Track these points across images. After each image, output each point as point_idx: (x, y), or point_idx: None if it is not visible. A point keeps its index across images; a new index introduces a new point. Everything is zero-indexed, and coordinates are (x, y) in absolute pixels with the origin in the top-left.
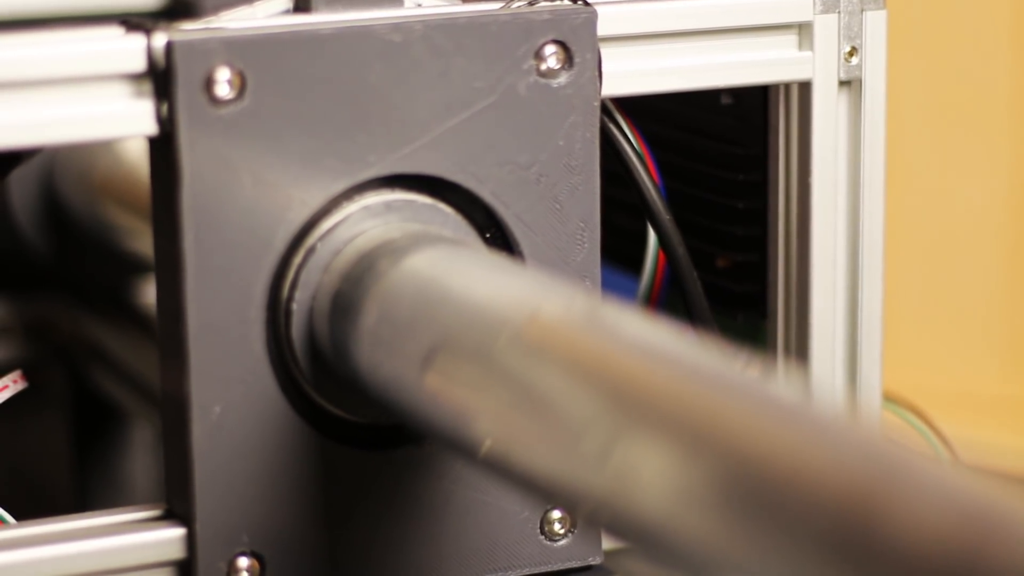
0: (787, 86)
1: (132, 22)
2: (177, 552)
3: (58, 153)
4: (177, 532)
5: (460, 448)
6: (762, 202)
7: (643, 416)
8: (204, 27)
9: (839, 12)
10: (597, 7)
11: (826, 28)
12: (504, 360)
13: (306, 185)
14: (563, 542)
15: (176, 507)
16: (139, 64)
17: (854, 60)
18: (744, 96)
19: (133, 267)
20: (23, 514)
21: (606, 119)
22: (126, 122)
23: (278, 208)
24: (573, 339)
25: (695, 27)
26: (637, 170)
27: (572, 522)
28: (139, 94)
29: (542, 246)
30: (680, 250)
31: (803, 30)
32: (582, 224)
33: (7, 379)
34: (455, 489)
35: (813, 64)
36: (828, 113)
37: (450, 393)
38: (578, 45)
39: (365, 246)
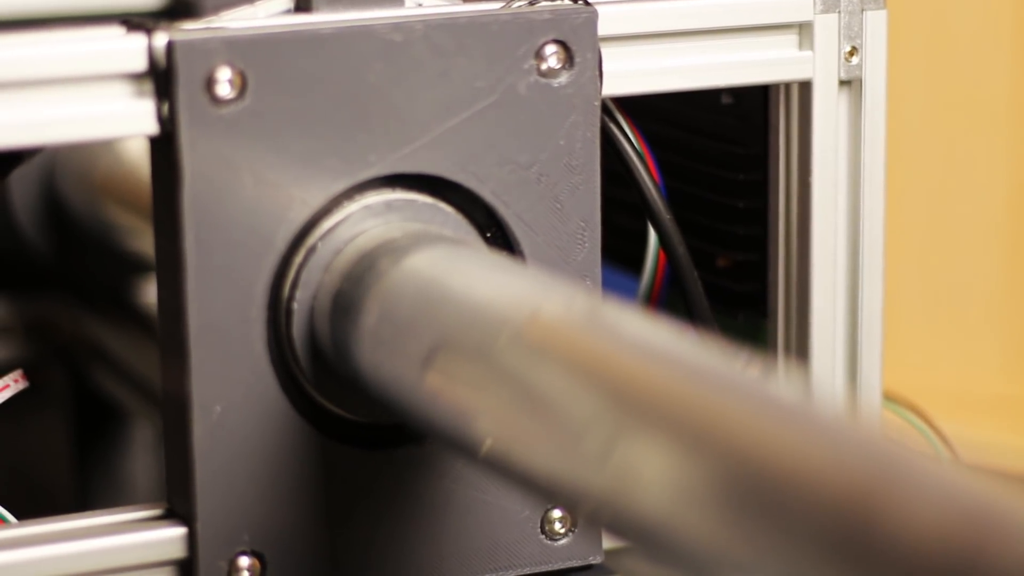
0: (787, 86)
1: (133, 22)
2: (178, 551)
3: (59, 153)
4: (178, 531)
5: (461, 447)
6: (762, 202)
7: (644, 415)
8: (205, 27)
9: (839, 12)
10: (598, 7)
11: (826, 28)
12: (505, 359)
13: (307, 184)
14: (564, 541)
15: (177, 506)
16: (140, 64)
17: (854, 60)
18: (744, 96)
19: (134, 267)
20: (24, 513)
21: (607, 119)
22: (127, 122)
23: (279, 207)
24: (574, 338)
25: (696, 27)
26: (638, 170)
27: (573, 521)
28: (140, 94)
29: (543, 245)
30: (680, 249)
31: (803, 30)
32: (583, 223)
33: (8, 378)
34: (456, 488)
35: (813, 64)
36: (828, 113)
37: (451, 392)
38: (579, 45)
39: (366, 245)
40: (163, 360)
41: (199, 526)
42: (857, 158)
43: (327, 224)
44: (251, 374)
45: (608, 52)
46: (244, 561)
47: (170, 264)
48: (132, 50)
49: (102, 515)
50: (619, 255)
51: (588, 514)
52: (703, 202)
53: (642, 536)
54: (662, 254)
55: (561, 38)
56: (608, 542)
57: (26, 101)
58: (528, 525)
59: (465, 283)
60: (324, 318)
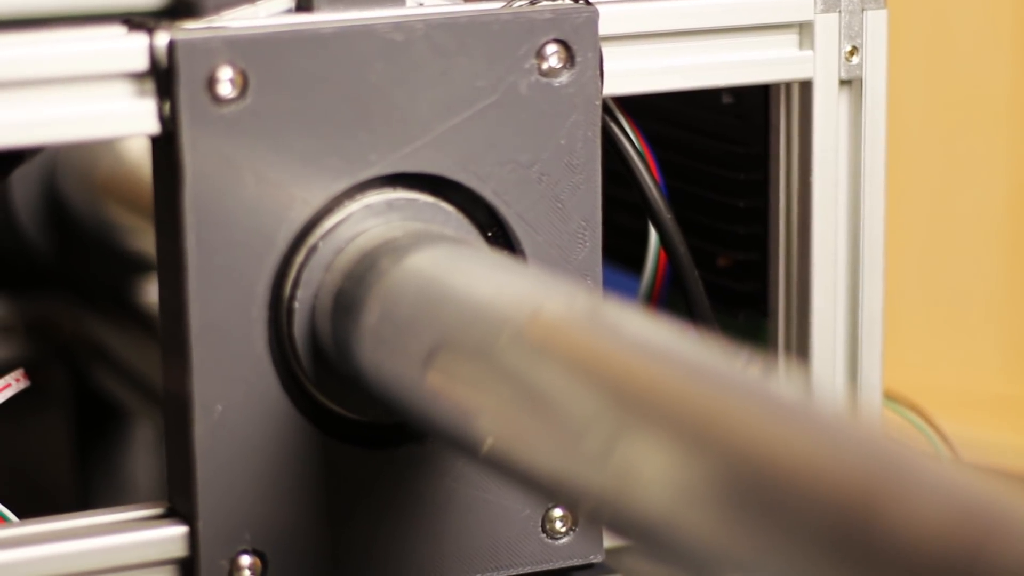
0: (788, 85)
1: (134, 21)
2: (179, 550)
3: (60, 152)
4: (179, 530)
5: (462, 446)
6: (763, 201)
7: (645, 414)
8: (206, 26)
9: (840, 11)
10: (598, 6)
11: (827, 27)
12: (506, 358)
13: (308, 184)
14: (564, 540)
15: (178, 505)
16: (141, 63)
17: (855, 59)
18: (745, 95)
19: (135, 266)
20: (25, 512)
21: (607, 118)
22: (128, 121)
23: (280, 207)
24: (575, 337)
25: (696, 26)
26: (638, 169)
27: (573, 520)
28: (141, 93)
29: (544, 245)
30: (681, 249)
31: (804, 29)
32: (583, 223)
33: (9, 378)
34: (457, 487)
35: (814, 63)
36: (829, 112)
37: (452, 391)
38: (579, 44)
39: (367, 245)
40: (164, 359)
41: (200, 525)
42: (857, 157)
43: (328, 223)
44: (252, 373)
45: (609, 51)
46: (245, 560)
47: (171, 263)
48: (133, 49)
49: (103, 514)
50: (620, 254)
51: (589, 513)
52: (704, 201)
53: (643, 535)
54: (663, 253)
55: (562, 37)
56: (609, 541)
57: (27, 100)
58: (529, 524)
59: (466, 282)
60: (325, 317)
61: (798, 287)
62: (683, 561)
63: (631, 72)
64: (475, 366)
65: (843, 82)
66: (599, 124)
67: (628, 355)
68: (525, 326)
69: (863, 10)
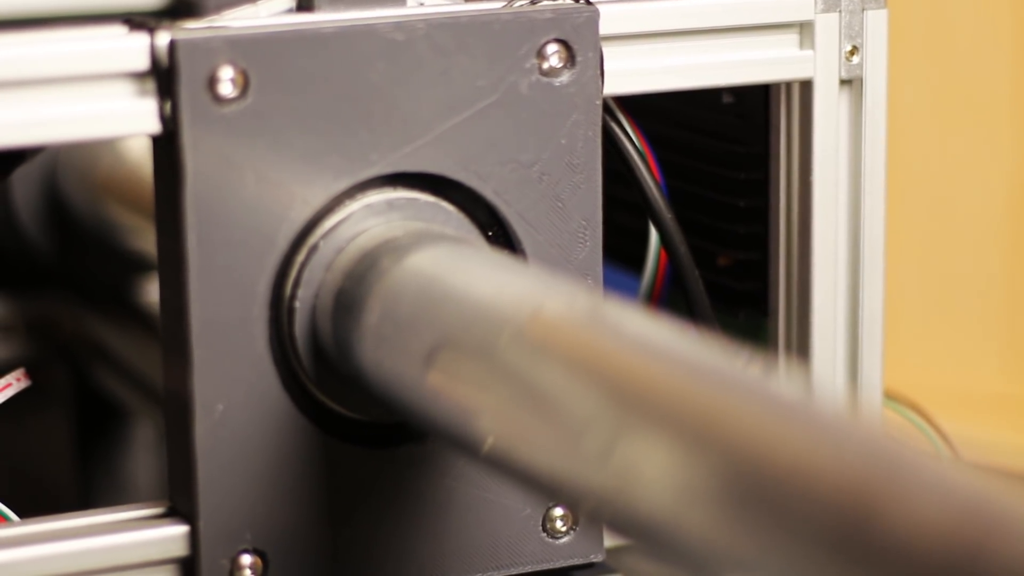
0: (788, 85)
1: (135, 21)
2: (180, 549)
3: (61, 151)
4: (180, 529)
5: (462, 445)
6: (763, 200)
7: (645, 413)
8: (207, 26)
9: (840, 11)
10: (599, 6)
11: (827, 27)
12: (506, 358)
13: (309, 183)
14: (565, 539)
15: (179, 504)
16: (142, 63)
17: (855, 59)
18: (745, 95)
19: (136, 265)
20: (26, 512)
21: (608, 118)
22: (129, 121)
23: (281, 206)
24: (575, 337)
25: (697, 26)
26: (639, 168)
27: (574, 519)
28: (142, 93)
29: (544, 244)
30: (682, 248)
31: (804, 29)
32: (584, 222)
33: (10, 377)
34: (457, 486)
35: (814, 63)
36: (829, 112)
37: (452, 391)
38: (580, 44)
39: (368, 244)
40: (165, 359)
41: (201, 524)
42: (858, 157)
43: (329, 223)
44: (253, 373)
45: (609, 51)
46: (246, 559)
47: (172, 263)
48: (134, 49)
49: (104, 513)
50: (620, 254)
51: (590, 512)
52: (704, 201)
53: (643, 534)
54: (663, 253)
55: (563, 37)
56: (609, 540)
57: (28, 100)
58: (529, 523)
59: (467, 282)
60: (326, 317)
61: (798, 286)
62: (684, 560)
63: (632, 72)
64: (476, 365)
65: (843, 82)
66: (600, 124)
67: (629, 354)
68: (526, 325)
69: (863, 10)
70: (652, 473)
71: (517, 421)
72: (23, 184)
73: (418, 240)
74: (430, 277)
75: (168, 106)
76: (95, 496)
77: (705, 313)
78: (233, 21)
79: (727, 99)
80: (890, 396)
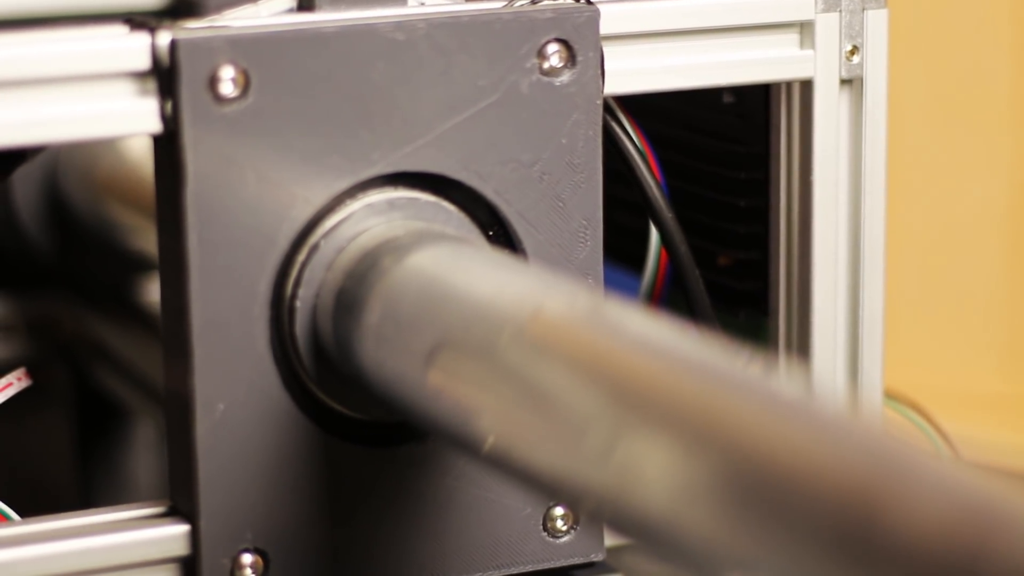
0: (789, 84)
1: (136, 21)
2: (181, 549)
3: (61, 151)
4: (181, 529)
5: (463, 445)
6: (764, 200)
7: (646, 413)
8: (208, 25)
9: (840, 11)
10: (600, 5)
11: (827, 27)
12: (507, 357)
13: (310, 183)
14: (566, 539)
15: (180, 504)
16: (143, 62)
17: (855, 59)
18: (746, 94)
19: (136, 265)
20: (27, 511)
21: (608, 117)
22: (130, 120)
23: (282, 206)
24: (576, 336)
25: (697, 26)
26: (639, 168)
27: (575, 519)
28: (143, 92)
29: (545, 244)
30: (682, 248)
31: (805, 29)
32: (585, 222)
33: (11, 377)
34: (458, 486)
35: (815, 63)
36: (829, 111)
37: (453, 390)
38: (581, 43)
39: (368, 244)
40: (166, 358)
41: (202, 523)
42: (858, 157)
43: (330, 222)
44: (254, 372)
45: (610, 51)
46: (247, 558)
47: (173, 262)
48: (135, 49)
49: (105, 513)
50: (621, 253)
51: (590, 511)
52: (704, 200)
53: (644, 533)
54: (664, 252)
55: (563, 37)
56: (610, 539)
57: (29, 100)
58: (530, 522)
59: (467, 281)
60: (327, 316)
61: (799, 286)
62: (684, 559)
63: (632, 71)
64: (476, 365)
65: (844, 81)
66: (600, 123)
67: (629, 354)
68: (526, 325)
69: (864, 9)
70: (653, 472)
71: (518, 420)
72: (24, 184)
73: (419, 240)
74: (431, 277)
75: (169, 106)
76: (96, 495)
77: (705, 313)
78: (234, 21)
79: (727, 99)
80: (890, 396)
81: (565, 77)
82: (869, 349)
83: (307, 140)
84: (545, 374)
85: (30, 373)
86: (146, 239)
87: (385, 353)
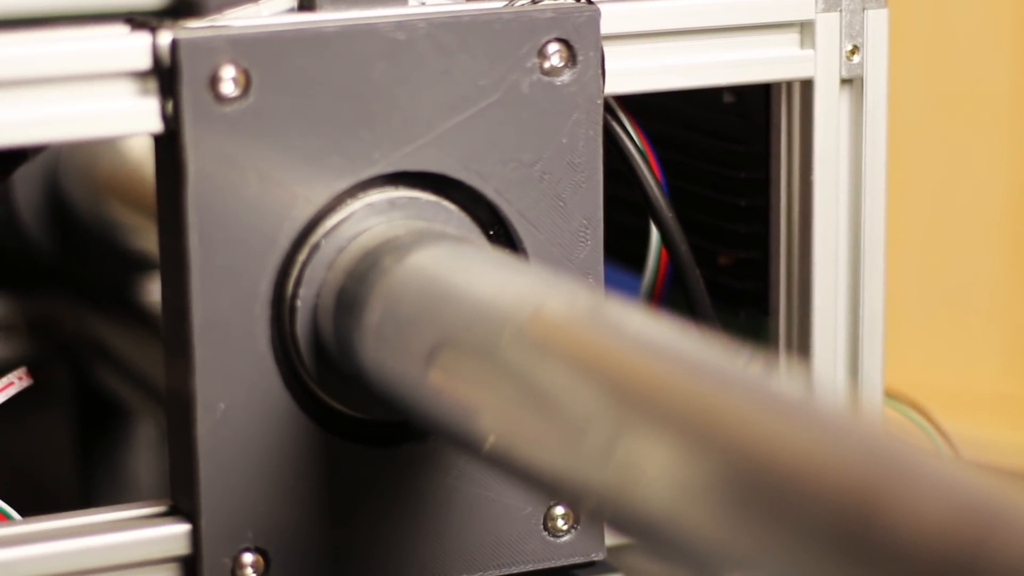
0: (789, 84)
1: (137, 20)
2: (182, 548)
3: (62, 151)
4: (182, 528)
5: (464, 444)
6: (764, 200)
7: (646, 412)
8: (209, 25)
9: (841, 11)
10: (600, 5)
11: (828, 27)
12: (508, 356)
13: (310, 182)
14: (566, 538)
15: (181, 503)
16: (144, 62)
17: (856, 58)
18: (746, 94)
19: (137, 264)
20: (27, 510)
21: (609, 117)
22: (131, 120)
23: (283, 205)
24: (576, 335)
25: (697, 25)
26: (640, 168)
27: (575, 518)
28: (144, 92)
29: (545, 243)
30: (682, 247)
31: (805, 28)
32: (585, 221)
33: (11, 376)
34: (459, 485)
35: (815, 62)
36: (830, 111)
37: (454, 389)
38: (581, 43)
39: (369, 243)
40: (167, 358)
41: (203, 523)
42: (858, 156)
43: (331, 222)
44: (255, 371)
45: (610, 50)
46: (248, 558)
47: (174, 262)
48: (136, 48)
49: (106, 512)
50: (621, 253)
51: (591, 510)
52: (705, 200)
53: (645, 532)
54: (664, 252)
55: (564, 36)
56: (611, 539)
57: (30, 99)
58: (531, 522)
59: (468, 280)
60: (328, 315)
61: (799, 285)
62: (685, 558)
63: (633, 71)
64: (477, 364)
65: (844, 81)
66: (600, 123)
67: (630, 353)
68: (527, 324)
69: (864, 9)
70: (653, 471)
71: (518, 420)
72: (25, 183)
73: (419, 239)
74: (431, 276)
75: (170, 105)
76: (96, 495)
77: (706, 312)
78: (235, 20)
79: (728, 98)
80: (890, 395)
81: (566, 77)
82: (869, 349)
83: (308, 140)
84: (546, 373)
85: (31, 372)
86: (147, 239)
87: (386, 352)
